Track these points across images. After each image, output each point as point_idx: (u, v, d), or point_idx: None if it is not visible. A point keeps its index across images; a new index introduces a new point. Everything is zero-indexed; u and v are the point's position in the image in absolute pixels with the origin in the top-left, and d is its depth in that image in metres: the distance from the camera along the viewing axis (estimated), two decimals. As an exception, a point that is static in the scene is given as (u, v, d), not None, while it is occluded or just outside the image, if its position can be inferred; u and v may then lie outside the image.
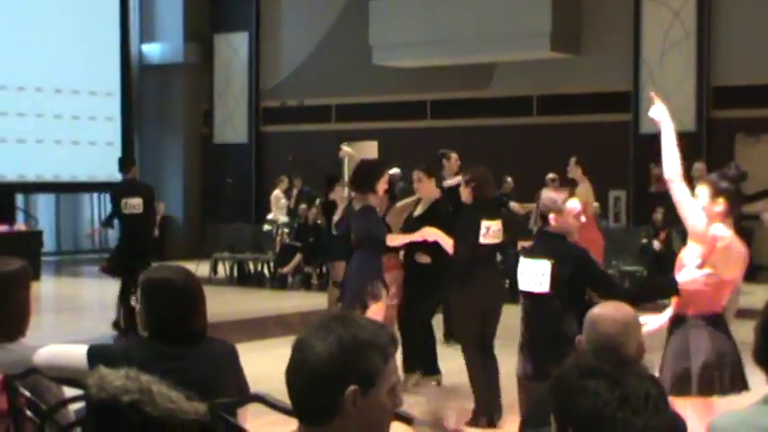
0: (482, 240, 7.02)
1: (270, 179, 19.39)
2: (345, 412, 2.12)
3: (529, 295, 5.37)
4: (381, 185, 7.44)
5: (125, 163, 11.56)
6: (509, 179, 15.24)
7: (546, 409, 2.08)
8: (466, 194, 7.12)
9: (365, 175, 7.41)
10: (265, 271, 17.16)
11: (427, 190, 8.04)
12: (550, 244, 5.37)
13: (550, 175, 13.97)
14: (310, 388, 2.13)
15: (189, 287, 3.46)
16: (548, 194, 5.54)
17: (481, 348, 7.03)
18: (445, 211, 8.15)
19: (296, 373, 2.17)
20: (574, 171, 10.52)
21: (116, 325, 11.13)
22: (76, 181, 20.05)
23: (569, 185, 9.76)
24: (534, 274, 5.31)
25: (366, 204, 7.44)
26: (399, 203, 8.47)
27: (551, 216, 5.39)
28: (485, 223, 7.00)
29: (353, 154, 9.78)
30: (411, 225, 8.05)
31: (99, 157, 20.17)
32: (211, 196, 21.03)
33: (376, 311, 7.13)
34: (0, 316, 3.76)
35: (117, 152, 21.10)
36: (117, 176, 20.82)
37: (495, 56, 17.78)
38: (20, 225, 17.87)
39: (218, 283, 15.60)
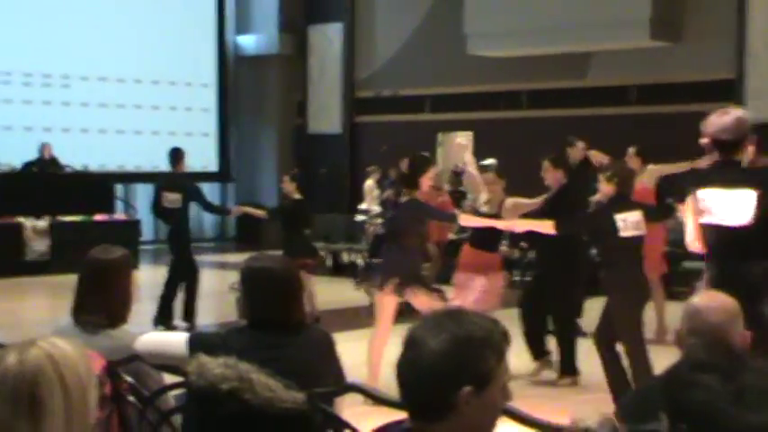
0: (622, 234, 6.99)
1: (363, 170, 19.46)
2: (459, 411, 2.10)
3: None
4: (426, 182, 7.50)
5: (175, 156, 11.55)
6: (607, 171, 15.04)
7: (650, 403, 2.08)
8: (607, 189, 7.13)
9: (411, 171, 7.47)
10: (359, 261, 17.15)
11: (554, 179, 8.13)
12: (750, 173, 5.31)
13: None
14: (423, 385, 2.11)
15: (288, 276, 3.50)
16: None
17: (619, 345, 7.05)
18: (573, 196, 8.32)
19: (408, 370, 2.14)
20: (633, 161, 10.31)
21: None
22: (174, 171, 20.43)
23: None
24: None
25: (411, 198, 7.51)
26: (510, 200, 8.45)
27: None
28: (619, 216, 6.97)
29: (466, 145, 9.72)
30: (542, 210, 8.15)
31: (195, 147, 20.43)
32: (305, 186, 21.19)
33: (423, 302, 7.26)
34: (103, 303, 3.85)
35: (213, 143, 21.55)
36: (212, 167, 21.11)
37: (592, 44, 17.45)
38: (119, 214, 18.19)
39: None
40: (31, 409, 1.91)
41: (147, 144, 19.99)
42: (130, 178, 20.14)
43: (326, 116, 21.60)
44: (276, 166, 21.67)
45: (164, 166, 19.72)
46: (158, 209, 11.26)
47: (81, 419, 1.97)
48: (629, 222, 6.96)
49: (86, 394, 1.99)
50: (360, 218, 17.67)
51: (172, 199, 11.02)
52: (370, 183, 18.19)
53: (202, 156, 20.17)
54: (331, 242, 17.55)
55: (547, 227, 7.17)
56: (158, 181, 11.77)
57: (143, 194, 20.83)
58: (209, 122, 21.41)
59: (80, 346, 2.07)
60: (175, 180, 11.23)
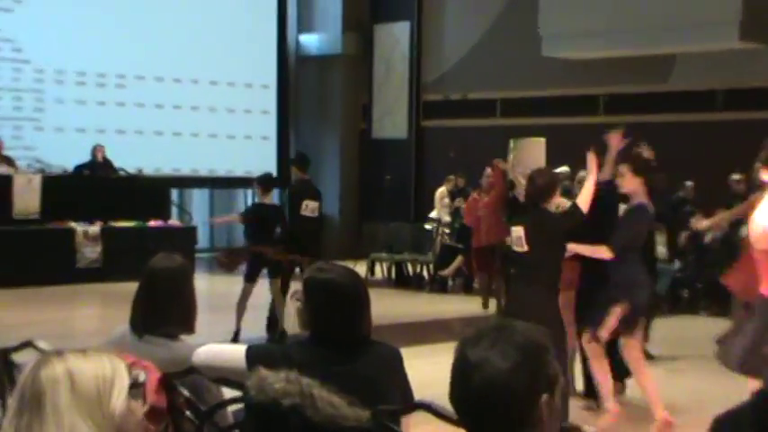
0: None
1: (430, 176, 19.37)
2: (540, 422, 2.08)
3: None
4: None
5: (304, 162, 11.86)
6: (689, 183, 14.84)
7: (741, 427, 2.03)
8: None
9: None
10: (424, 273, 17.15)
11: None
12: None
13: (735, 176, 13.51)
14: (504, 406, 2.06)
15: (355, 289, 3.47)
16: None
17: None
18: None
19: (481, 395, 2.08)
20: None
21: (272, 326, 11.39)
22: (231, 176, 20.40)
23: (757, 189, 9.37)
24: None
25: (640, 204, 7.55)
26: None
27: None
28: None
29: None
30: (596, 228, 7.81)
31: (254, 151, 20.57)
32: (369, 194, 21.16)
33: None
34: (167, 312, 3.86)
35: (272, 146, 21.52)
36: (271, 172, 20.99)
37: (676, 46, 17.21)
38: (174, 220, 18.24)
39: (375, 284, 15.61)
40: (40, 416, 2.00)
41: (203, 147, 20.13)
42: (186, 182, 20.26)
43: (392, 120, 21.59)
44: (338, 172, 21.65)
45: (220, 170, 20.37)
46: (294, 216, 11.53)
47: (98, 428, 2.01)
48: None
49: (102, 407, 2.03)
50: (428, 227, 17.52)
51: (313, 207, 11.45)
52: (442, 190, 18.12)
53: (261, 160, 20.14)
54: (395, 252, 17.47)
55: (601, 251, 7.22)
56: (291, 188, 12.12)
57: (200, 199, 20.95)
58: (269, 125, 21.46)
59: (97, 358, 2.10)
60: (313, 187, 11.70)
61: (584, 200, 7.08)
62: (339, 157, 21.88)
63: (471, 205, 14.67)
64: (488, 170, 13.39)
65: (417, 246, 17.38)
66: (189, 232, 17.51)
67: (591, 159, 7.39)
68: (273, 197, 11.81)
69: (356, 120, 22.08)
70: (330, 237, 20.55)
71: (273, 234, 11.23)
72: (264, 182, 11.39)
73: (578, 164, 9.45)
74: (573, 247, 7.30)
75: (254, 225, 11.12)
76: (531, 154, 17.61)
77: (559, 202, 7.70)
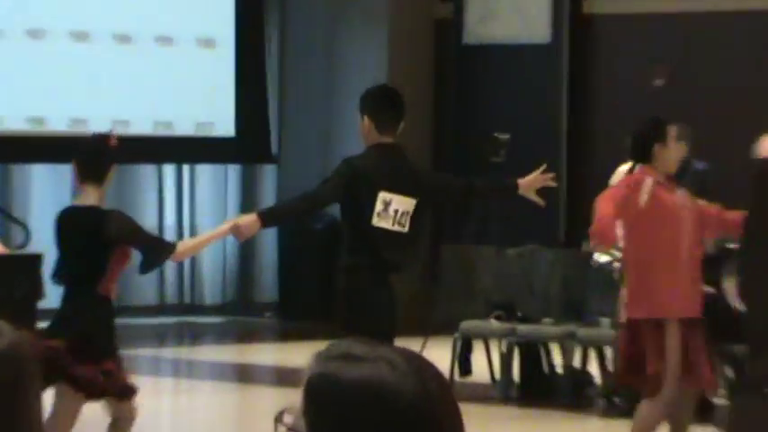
0: None
1: (600, 136, 13.22)
2: None
3: None
4: None
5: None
6: None
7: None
8: None
9: None
10: (592, 367, 10.71)
11: None
12: None
13: None
14: None
15: (428, 407, 1.96)
16: None
17: None
18: None
19: None
20: None
21: None
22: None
23: None
24: None
25: None
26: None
27: None
28: None
29: None
30: None
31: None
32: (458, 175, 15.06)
33: None
34: None
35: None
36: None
37: None
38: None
39: (474, 394, 10.58)
40: None
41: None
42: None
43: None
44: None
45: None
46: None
47: None
48: None
49: None
50: (599, 256, 11.95)
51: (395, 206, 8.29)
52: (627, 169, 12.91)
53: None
54: (520, 318, 10.91)
55: None
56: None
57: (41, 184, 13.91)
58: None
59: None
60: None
61: None
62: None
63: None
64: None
65: (572, 302, 10.55)
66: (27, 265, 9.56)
67: None
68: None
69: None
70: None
71: None
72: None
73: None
74: None
75: None
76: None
77: None
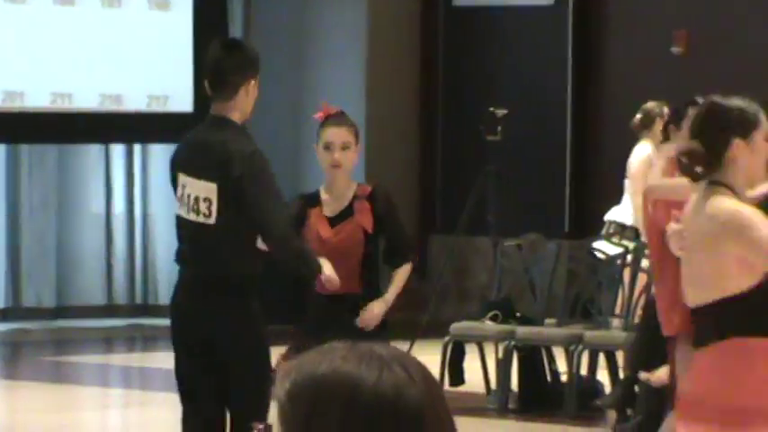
0: None
1: (614, 110, 13.79)
2: None
3: None
4: None
5: None
6: None
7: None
8: None
9: None
10: (602, 375, 11.40)
11: None
12: None
13: None
14: None
15: (431, 414, 2.29)
16: None
17: None
18: None
19: None
20: None
21: None
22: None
23: None
24: None
25: None
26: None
27: None
28: None
29: None
30: None
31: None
32: (447, 164, 15.58)
33: None
34: None
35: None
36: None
37: None
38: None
39: (467, 405, 11.15)
40: None
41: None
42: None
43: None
44: (363, 104, 14.19)
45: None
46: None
47: None
48: None
49: None
50: (609, 248, 12.55)
51: None
52: (647, 153, 12.68)
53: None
54: (519, 318, 11.55)
55: None
56: None
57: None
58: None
59: None
60: None
61: None
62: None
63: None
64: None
65: (578, 300, 11.16)
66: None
67: None
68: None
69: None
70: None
71: None
72: None
73: None
74: None
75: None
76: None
77: None
